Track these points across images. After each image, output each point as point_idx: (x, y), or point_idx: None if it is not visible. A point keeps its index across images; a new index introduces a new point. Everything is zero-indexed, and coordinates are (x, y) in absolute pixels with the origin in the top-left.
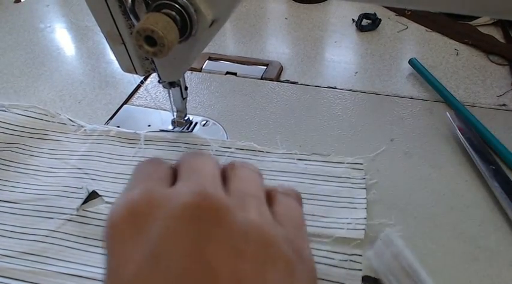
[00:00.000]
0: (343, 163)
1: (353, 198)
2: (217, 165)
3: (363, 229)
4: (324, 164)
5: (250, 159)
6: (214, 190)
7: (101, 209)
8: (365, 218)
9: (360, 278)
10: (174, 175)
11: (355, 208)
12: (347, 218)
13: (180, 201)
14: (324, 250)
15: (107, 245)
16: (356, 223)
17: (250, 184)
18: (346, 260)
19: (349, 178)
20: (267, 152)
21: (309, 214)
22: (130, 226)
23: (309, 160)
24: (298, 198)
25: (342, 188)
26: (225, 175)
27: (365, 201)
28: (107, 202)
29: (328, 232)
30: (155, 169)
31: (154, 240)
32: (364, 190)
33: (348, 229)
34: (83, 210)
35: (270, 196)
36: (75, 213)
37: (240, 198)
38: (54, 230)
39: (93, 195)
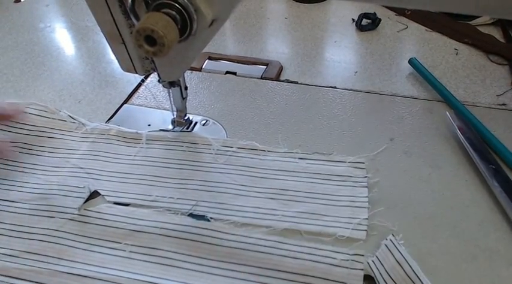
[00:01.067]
0: (345, 162)
1: (355, 196)
2: None
3: (365, 229)
4: (325, 163)
5: (252, 158)
6: None
7: (103, 208)
8: (367, 218)
9: (362, 278)
10: None
11: (357, 207)
12: (349, 217)
13: None
14: (326, 250)
15: None
16: (357, 223)
17: None
18: (347, 260)
19: (351, 177)
20: (268, 151)
21: (310, 213)
22: None
23: (311, 159)
24: None
25: (343, 187)
26: None
27: (367, 200)
28: (108, 202)
29: (330, 231)
30: None
31: None
32: (366, 189)
33: (349, 229)
34: (85, 209)
35: None
36: (76, 212)
37: None
38: (55, 230)
39: (94, 194)
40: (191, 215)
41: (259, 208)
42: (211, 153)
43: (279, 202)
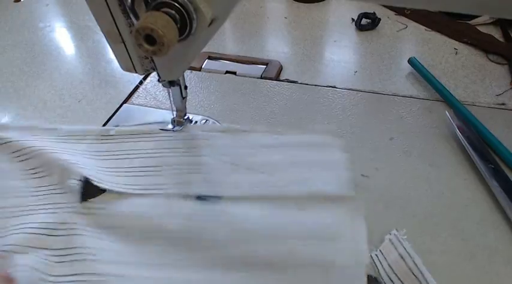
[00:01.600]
0: (321, 131)
1: (334, 159)
2: None
3: (353, 187)
4: (303, 135)
5: (235, 138)
6: None
7: (103, 200)
8: (352, 177)
9: (365, 277)
10: None
11: (341, 168)
12: (335, 178)
13: None
14: (328, 249)
15: None
16: (344, 182)
17: None
18: (351, 261)
19: (328, 143)
20: (249, 132)
21: (298, 180)
22: None
23: (289, 134)
24: None
25: (322, 153)
26: None
27: (347, 161)
28: (105, 191)
29: (319, 193)
30: None
31: None
32: (344, 153)
33: (337, 187)
34: (86, 201)
35: None
36: (79, 205)
37: None
38: (61, 223)
39: (90, 186)
40: (190, 197)
41: (251, 182)
42: (194, 139)
43: (267, 174)
